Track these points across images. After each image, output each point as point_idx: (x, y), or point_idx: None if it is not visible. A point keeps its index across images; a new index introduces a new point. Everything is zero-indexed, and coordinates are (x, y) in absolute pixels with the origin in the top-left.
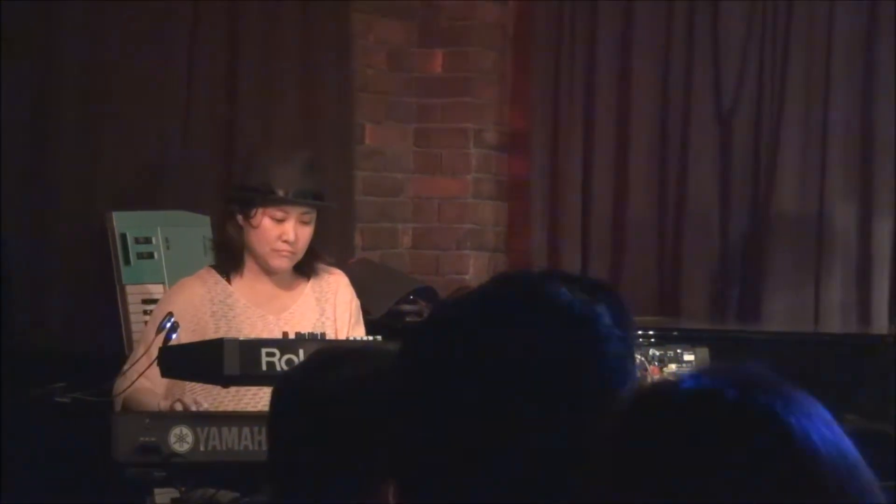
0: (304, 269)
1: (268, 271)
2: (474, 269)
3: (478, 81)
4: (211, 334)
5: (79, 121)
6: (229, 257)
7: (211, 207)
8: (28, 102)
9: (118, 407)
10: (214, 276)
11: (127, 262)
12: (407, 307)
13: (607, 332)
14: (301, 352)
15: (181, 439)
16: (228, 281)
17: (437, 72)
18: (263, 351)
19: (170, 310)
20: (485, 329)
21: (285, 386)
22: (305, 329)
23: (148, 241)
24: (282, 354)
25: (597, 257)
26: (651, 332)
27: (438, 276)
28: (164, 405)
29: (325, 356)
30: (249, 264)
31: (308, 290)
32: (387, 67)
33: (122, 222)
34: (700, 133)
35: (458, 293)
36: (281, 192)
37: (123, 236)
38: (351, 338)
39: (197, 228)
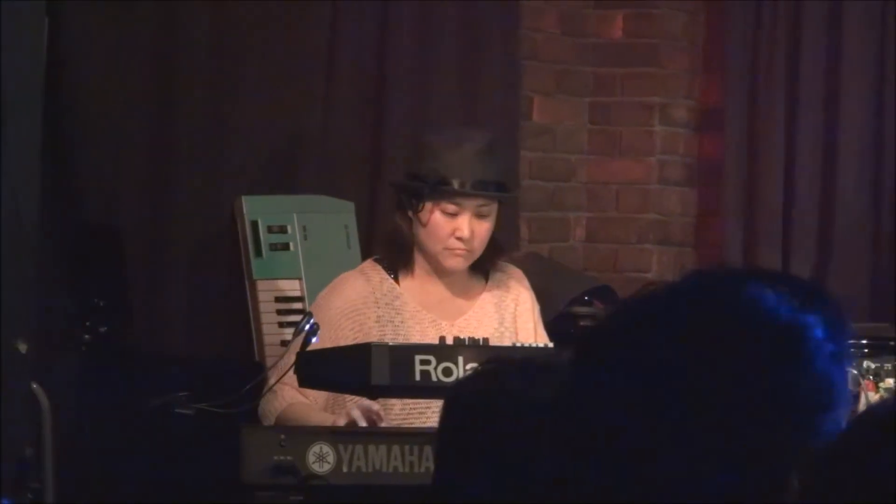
0: (485, 265)
1: (440, 271)
2: (658, 266)
3: (664, 48)
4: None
5: (205, 94)
6: (398, 252)
7: (355, 192)
8: (148, 72)
9: None
10: (380, 273)
11: (259, 254)
12: (581, 309)
13: (816, 347)
14: (460, 360)
15: (321, 459)
16: (396, 280)
17: (616, 37)
18: (417, 358)
19: (328, 310)
20: (674, 334)
21: (460, 398)
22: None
23: (283, 230)
24: (438, 362)
25: (800, 253)
26: (864, 342)
27: (616, 274)
28: (339, 420)
29: (503, 366)
30: (420, 262)
31: (486, 295)
32: (559, 32)
33: (254, 208)
34: None
35: (645, 291)
36: (455, 183)
37: (255, 224)
38: (518, 343)
39: (339, 216)
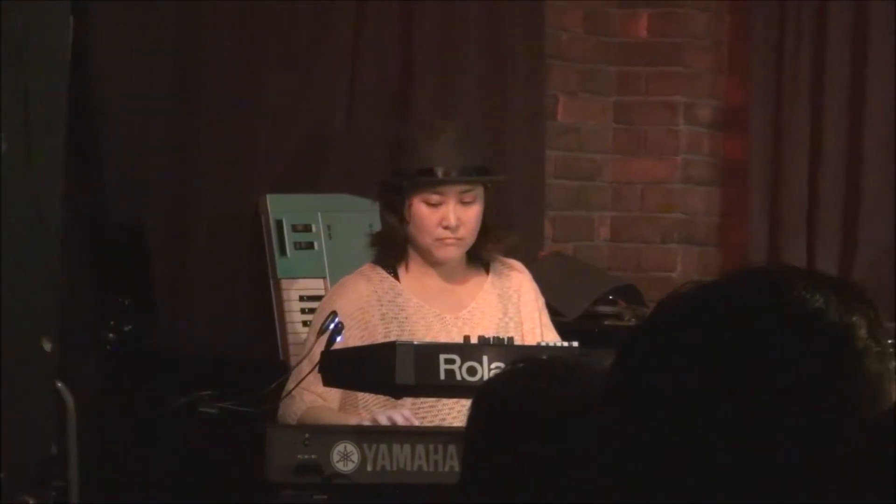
0: (481, 254)
1: (436, 264)
2: (682, 265)
3: (689, 47)
4: (381, 340)
5: (229, 93)
6: (392, 250)
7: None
8: (173, 71)
9: None
10: (379, 273)
11: (283, 252)
12: (605, 308)
13: (865, 347)
14: (485, 359)
15: (345, 457)
16: (395, 277)
17: (641, 36)
18: (442, 357)
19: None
20: (719, 334)
21: (488, 398)
22: (488, 331)
23: (307, 228)
24: (463, 362)
25: (824, 253)
26: (890, 342)
27: (640, 273)
28: (361, 419)
29: (531, 366)
30: (414, 258)
31: (488, 286)
32: (583, 31)
33: (278, 207)
34: None
35: (685, 289)
36: (435, 172)
37: (279, 223)
38: (544, 343)
39: (363, 215)
